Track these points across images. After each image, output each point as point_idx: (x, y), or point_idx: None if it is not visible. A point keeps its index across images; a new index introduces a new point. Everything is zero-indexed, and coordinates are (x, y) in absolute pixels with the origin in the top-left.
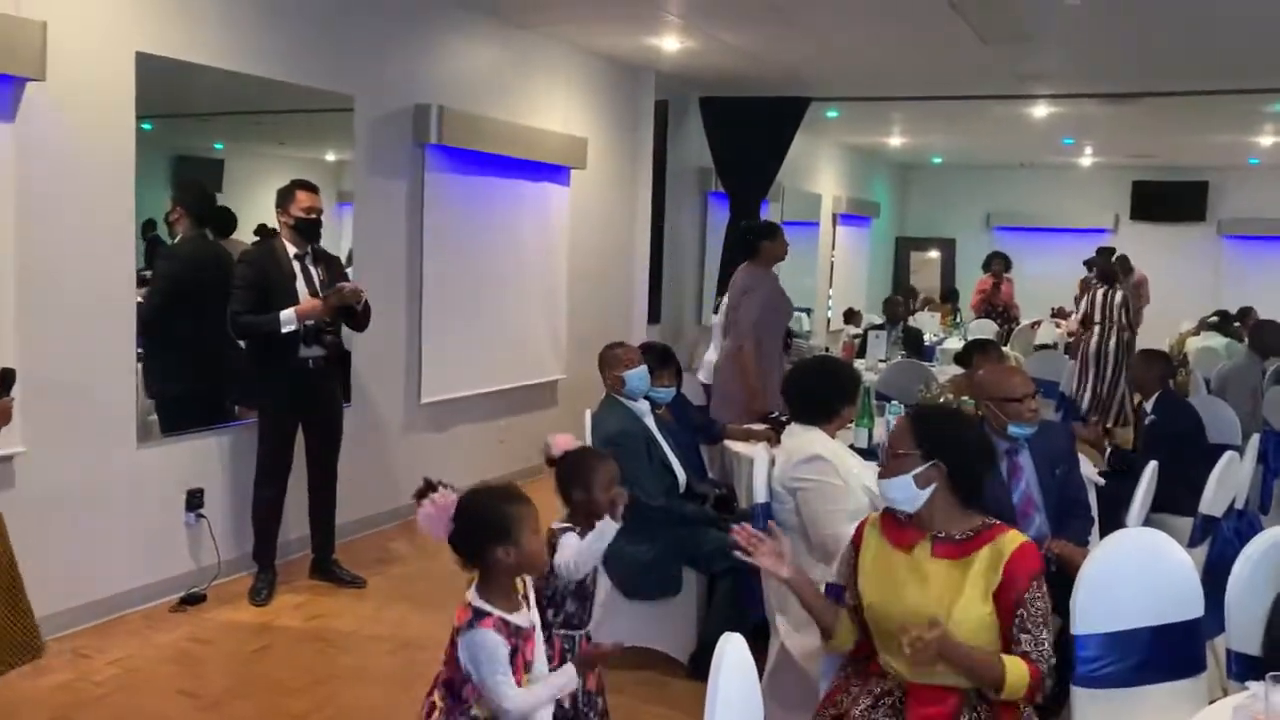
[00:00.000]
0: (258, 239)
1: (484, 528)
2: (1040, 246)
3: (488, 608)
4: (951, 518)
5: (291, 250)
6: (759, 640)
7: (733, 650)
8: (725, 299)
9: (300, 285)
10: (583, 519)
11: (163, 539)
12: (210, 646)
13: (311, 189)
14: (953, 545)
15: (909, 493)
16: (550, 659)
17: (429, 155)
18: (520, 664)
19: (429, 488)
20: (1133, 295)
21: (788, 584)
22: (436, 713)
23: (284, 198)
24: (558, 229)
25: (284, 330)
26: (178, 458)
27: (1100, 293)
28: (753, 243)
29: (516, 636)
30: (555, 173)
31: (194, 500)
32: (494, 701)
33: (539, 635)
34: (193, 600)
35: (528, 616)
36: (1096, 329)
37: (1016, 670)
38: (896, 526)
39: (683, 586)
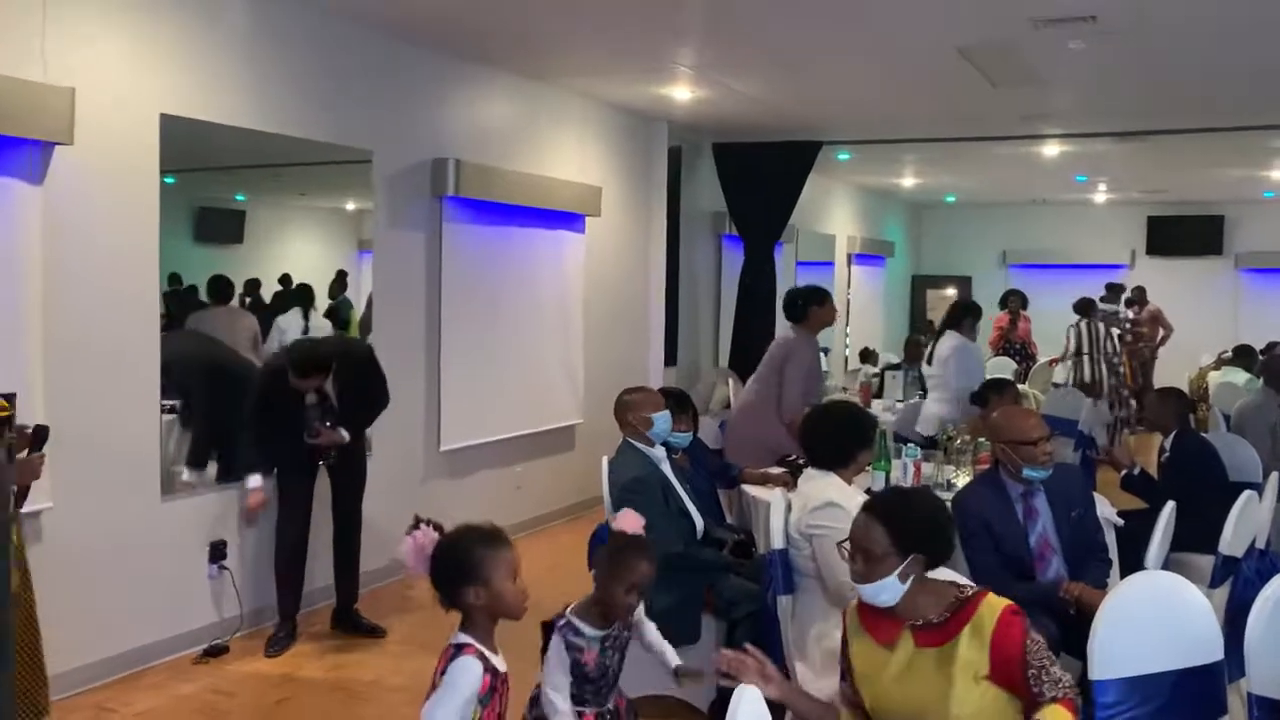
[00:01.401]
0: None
1: (456, 568)
2: (1057, 283)
3: (471, 641)
4: (924, 600)
5: None
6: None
7: (748, 703)
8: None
9: (310, 399)
10: (595, 609)
11: (186, 591)
12: (233, 699)
13: (305, 374)
14: (933, 631)
15: (895, 591)
16: None
17: (446, 206)
18: (495, 706)
19: (416, 524)
20: (1149, 326)
21: (780, 700)
22: None
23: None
24: (574, 275)
25: (248, 487)
26: (201, 510)
27: (1083, 324)
28: (802, 307)
29: (495, 677)
30: (571, 220)
31: (217, 552)
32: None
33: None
34: (215, 652)
35: (503, 662)
36: (1085, 359)
37: (1057, 715)
38: (874, 618)
39: (701, 634)
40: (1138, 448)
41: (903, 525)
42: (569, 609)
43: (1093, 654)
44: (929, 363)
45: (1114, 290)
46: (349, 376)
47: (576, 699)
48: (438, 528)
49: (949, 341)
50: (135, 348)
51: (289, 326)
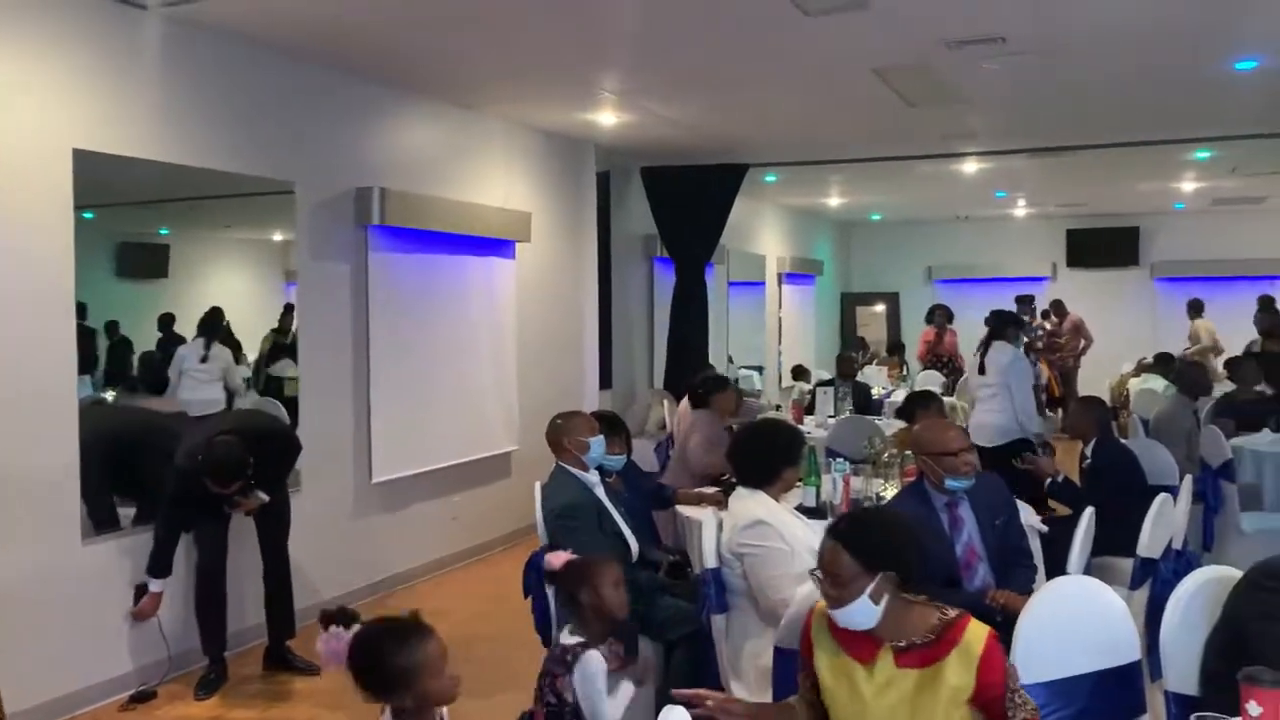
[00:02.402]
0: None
1: (377, 679)
2: (981, 297)
3: None
4: (904, 621)
5: None
6: None
7: None
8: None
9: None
10: (593, 624)
11: (110, 636)
12: None
13: (228, 482)
14: (917, 652)
15: (868, 613)
16: None
17: (372, 236)
18: None
19: (326, 623)
20: (1070, 336)
21: None
22: None
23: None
24: (505, 302)
25: (149, 590)
26: (124, 553)
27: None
28: (703, 396)
29: None
30: (500, 247)
31: (140, 593)
32: None
33: None
34: (143, 698)
35: None
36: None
37: None
38: (849, 634)
39: (637, 654)
40: (1061, 456)
41: (864, 544)
42: (564, 640)
43: (1016, 659)
44: (981, 372)
45: (1023, 302)
46: (267, 453)
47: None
48: (349, 622)
49: (1004, 353)
50: (52, 388)
51: (188, 354)
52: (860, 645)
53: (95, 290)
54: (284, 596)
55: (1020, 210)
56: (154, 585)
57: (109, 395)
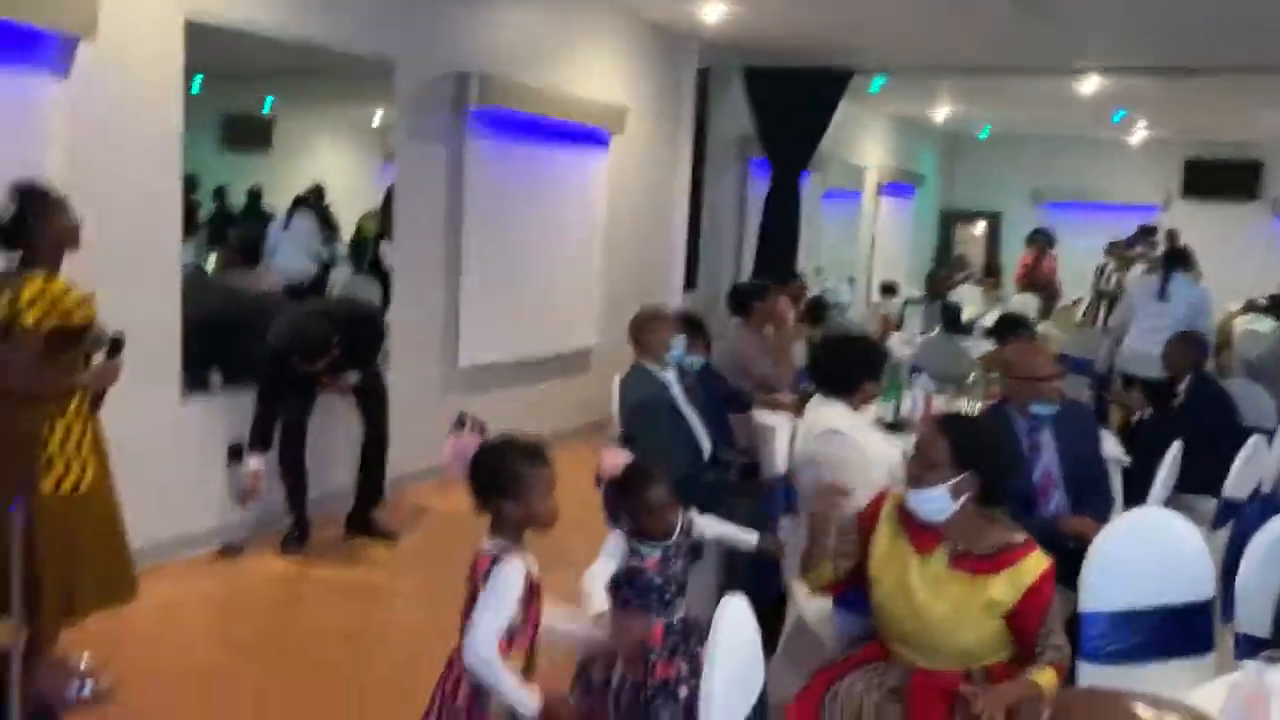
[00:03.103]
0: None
1: (495, 479)
2: (1088, 223)
3: (507, 547)
4: (972, 528)
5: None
6: (779, 608)
7: (732, 610)
8: None
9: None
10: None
11: (204, 491)
12: (247, 595)
13: (314, 359)
14: (973, 560)
15: (943, 503)
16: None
17: (470, 120)
18: (533, 615)
19: (460, 423)
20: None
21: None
22: (464, 685)
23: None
24: (596, 195)
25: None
26: (218, 412)
27: (1110, 266)
28: (743, 303)
29: (531, 581)
30: (594, 139)
31: (235, 453)
32: (468, 632)
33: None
34: (230, 551)
35: (535, 567)
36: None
37: (1048, 679)
38: (914, 524)
39: (704, 555)
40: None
41: (964, 439)
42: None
43: (1084, 587)
44: (1162, 298)
45: (1145, 233)
46: (356, 336)
47: (642, 606)
48: (482, 430)
49: (1193, 287)
50: (158, 248)
51: (277, 227)
52: (923, 537)
53: (200, 161)
54: (378, 467)
55: (1137, 135)
56: (254, 461)
57: (210, 261)
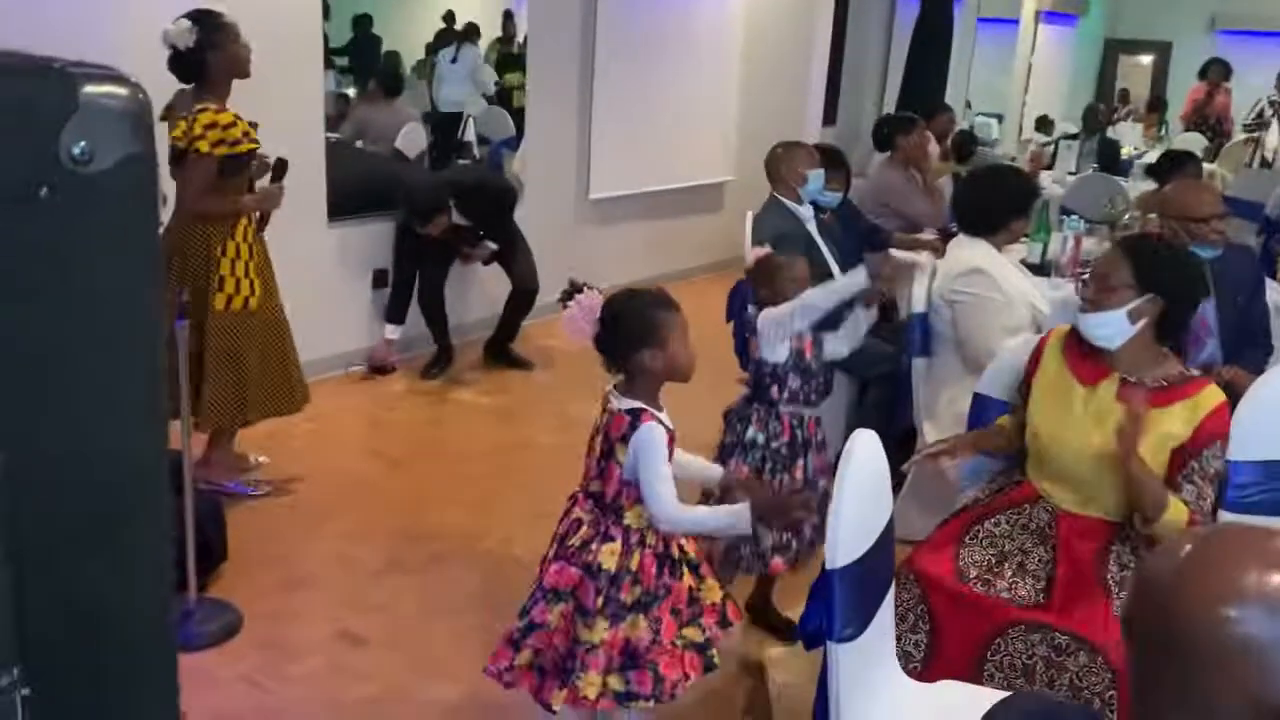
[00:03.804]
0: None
1: (631, 331)
2: (1270, 54)
3: (643, 406)
4: (1144, 359)
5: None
6: (907, 444)
7: (861, 446)
8: None
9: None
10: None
11: (351, 314)
12: (395, 413)
13: (429, 218)
14: (1145, 392)
15: (1119, 328)
16: (779, 434)
17: None
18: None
19: (574, 289)
20: None
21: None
22: (584, 528)
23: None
24: (732, 25)
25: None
26: (364, 238)
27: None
28: (887, 137)
29: (669, 435)
30: None
31: (379, 279)
32: (651, 505)
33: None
34: (380, 370)
35: (669, 419)
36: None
37: (1179, 511)
38: (1080, 356)
39: (834, 389)
40: None
41: (1149, 261)
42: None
43: (1232, 437)
44: None
45: None
46: (484, 202)
47: (805, 400)
48: (594, 290)
49: None
50: (302, 80)
51: (442, 58)
52: (1088, 369)
53: None
54: (521, 313)
55: None
56: (390, 331)
57: (351, 90)
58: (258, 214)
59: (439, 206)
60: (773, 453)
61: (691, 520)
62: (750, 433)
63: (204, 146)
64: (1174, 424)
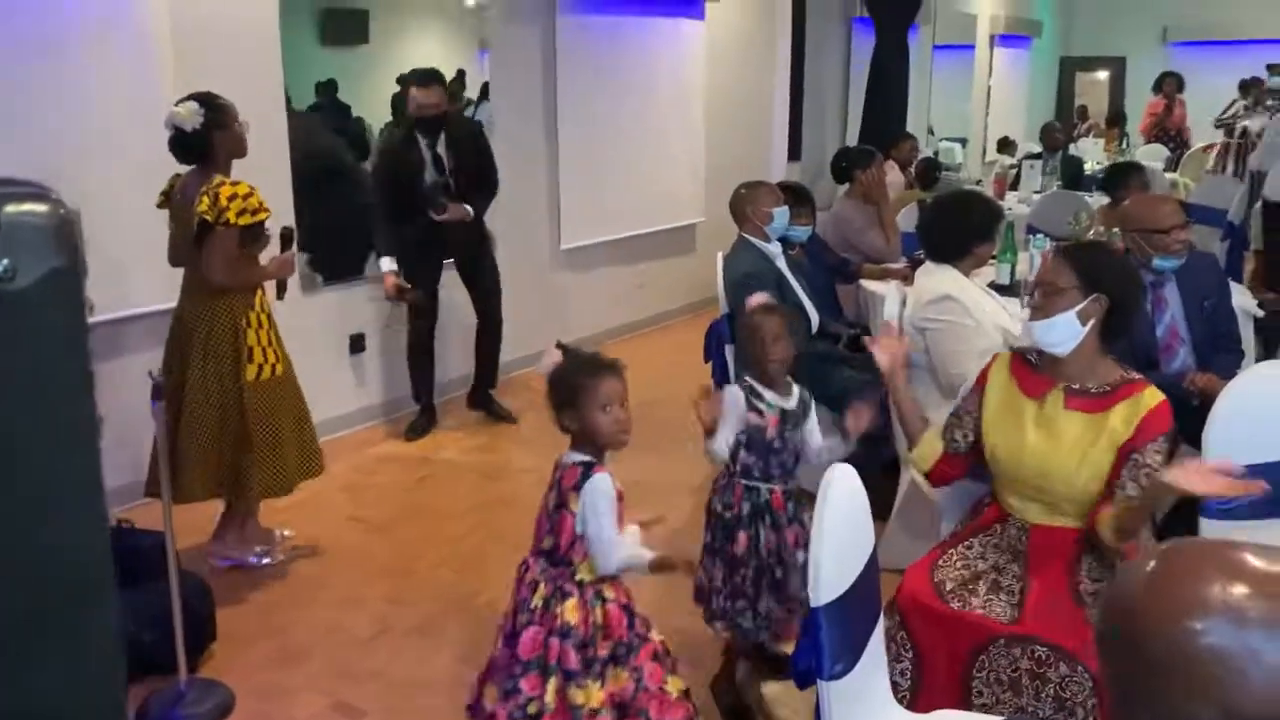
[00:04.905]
0: (393, 126)
1: (556, 392)
2: (1221, 62)
3: (590, 459)
4: (1090, 366)
5: (423, 140)
6: (892, 473)
7: (839, 478)
8: None
9: (429, 171)
10: (764, 378)
11: (328, 380)
12: (375, 477)
13: (426, 83)
14: (1089, 399)
15: (1070, 330)
16: (730, 505)
17: None
18: (620, 517)
19: (559, 347)
20: None
21: (887, 379)
22: (541, 586)
23: (402, 90)
24: (693, 67)
25: (382, 271)
26: (339, 305)
27: (1240, 105)
28: (845, 170)
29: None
30: (689, 6)
31: (356, 345)
32: (599, 553)
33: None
34: (401, 296)
35: (617, 483)
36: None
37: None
38: (1027, 371)
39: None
40: None
41: (1090, 262)
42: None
43: (1208, 441)
44: None
45: (1276, 71)
46: (460, 150)
47: (763, 474)
48: (565, 352)
49: None
50: (266, 145)
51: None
52: (1035, 383)
53: (302, 57)
54: (494, 355)
55: None
56: (386, 264)
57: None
58: (274, 282)
59: (438, 74)
60: (724, 521)
61: (629, 565)
62: (711, 499)
63: (232, 218)
64: (1118, 423)
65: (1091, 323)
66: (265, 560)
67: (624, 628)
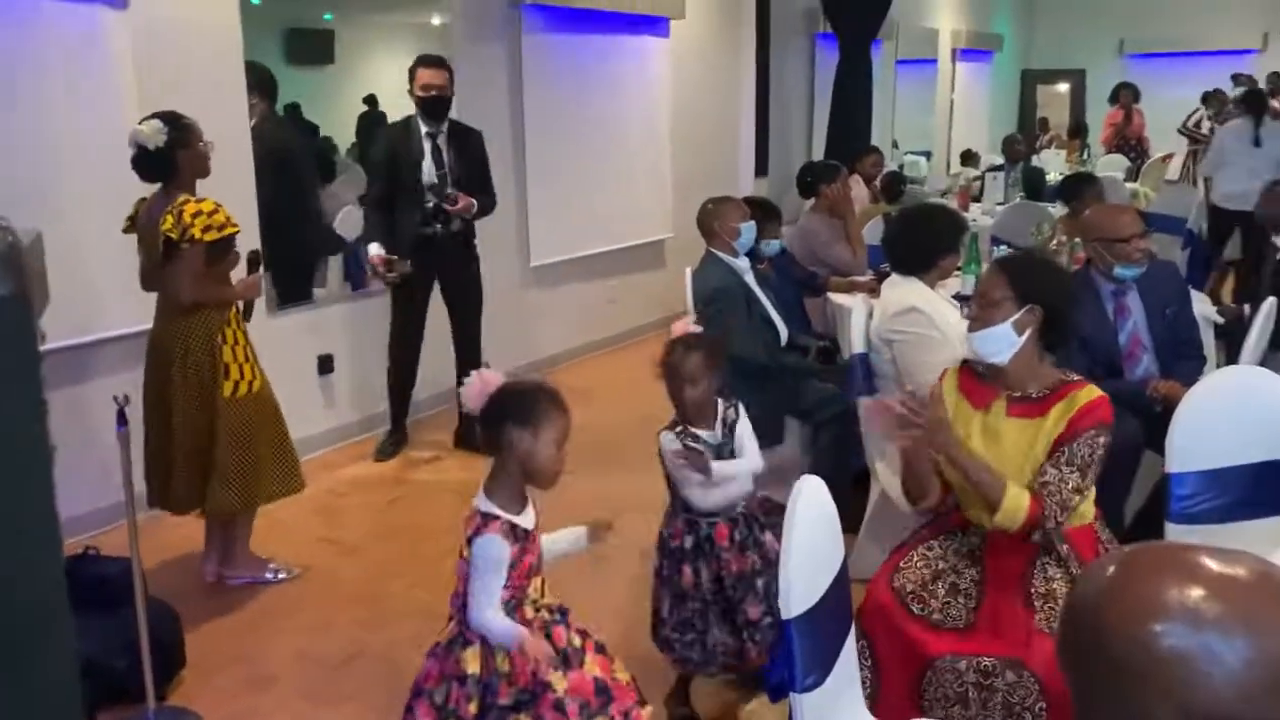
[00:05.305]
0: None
1: (512, 407)
2: (1179, 73)
3: (495, 511)
4: (1031, 372)
5: (423, 128)
6: (861, 486)
7: (808, 490)
8: None
9: (427, 164)
10: (693, 416)
11: (300, 400)
12: (347, 498)
13: (434, 65)
14: (1029, 404)
15: (1007, 340)
16: (673, 536)
17: (525, 15)
18: (526, 567)
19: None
20: None
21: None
22: (451, 623)
23: (410, 75)
24: (659, 84)
25: (369, 254)
26: (307, 326)
27: (1203, 115)
28: (810, 185)
29: (523, 540)
30: (653, 25)
31: (325, 365)
32: (471, 607)
33: (541, 539)
34: (391, 269)
35: (531, 517)
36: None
37: (1015, 499)
38: (974, 383)
39: (785, 438)
40: None
41: (1024, 273)
42: (673, 423)
43: (1171, 448)
44: (1257, 145)
45: (1239, 83)
46: (461, 147)
47: (686, 505)
48: (499, 375)
49: None
50: (230, 165)
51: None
52: (980, 394)
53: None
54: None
55: None
56: (373, 247)
57: None
58: (242, 304)
59: (443, 59)
60: (670, 550)
61: (493, 635)
62: (661, 527)
63: (197, 234)
64: (1053, 424)
65: (1028, 332)
66: (281, 575)
67: (528, 676)
